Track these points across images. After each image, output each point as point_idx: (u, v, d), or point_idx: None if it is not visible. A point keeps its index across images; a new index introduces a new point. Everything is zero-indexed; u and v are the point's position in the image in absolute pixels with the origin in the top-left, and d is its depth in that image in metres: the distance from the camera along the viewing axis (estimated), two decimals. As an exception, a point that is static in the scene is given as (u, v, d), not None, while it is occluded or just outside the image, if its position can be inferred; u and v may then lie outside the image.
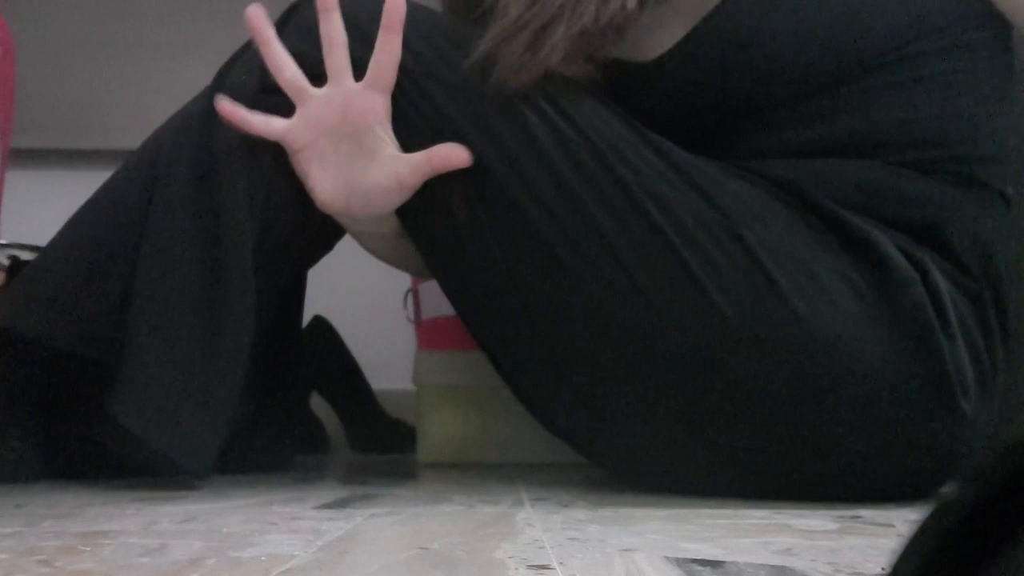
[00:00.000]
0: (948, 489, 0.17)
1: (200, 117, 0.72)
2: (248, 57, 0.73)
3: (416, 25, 0.70)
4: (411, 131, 0.69)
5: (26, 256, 0.94)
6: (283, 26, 0.72)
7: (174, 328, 0.69)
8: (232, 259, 0.70)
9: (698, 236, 0.64)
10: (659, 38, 0.70)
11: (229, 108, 0.69)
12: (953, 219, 0.67)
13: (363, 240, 0.78)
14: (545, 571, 0.36)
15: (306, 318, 0.97)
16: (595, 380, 0.68)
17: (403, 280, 1.16)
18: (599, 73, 0.68)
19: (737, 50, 0.67)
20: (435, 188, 0.69)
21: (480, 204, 0.68)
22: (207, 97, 0.73)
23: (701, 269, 0.63)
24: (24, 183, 1.20)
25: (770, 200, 0.66)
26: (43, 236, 0.84)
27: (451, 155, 0.67)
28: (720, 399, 0.64)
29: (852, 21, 0.66)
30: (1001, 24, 0.70)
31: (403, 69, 0.69)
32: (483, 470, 0.97)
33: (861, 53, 0.66)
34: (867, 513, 0.59)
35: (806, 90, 0.67)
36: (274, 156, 0.71)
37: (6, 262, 0.92)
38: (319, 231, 0.76)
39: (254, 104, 0.70)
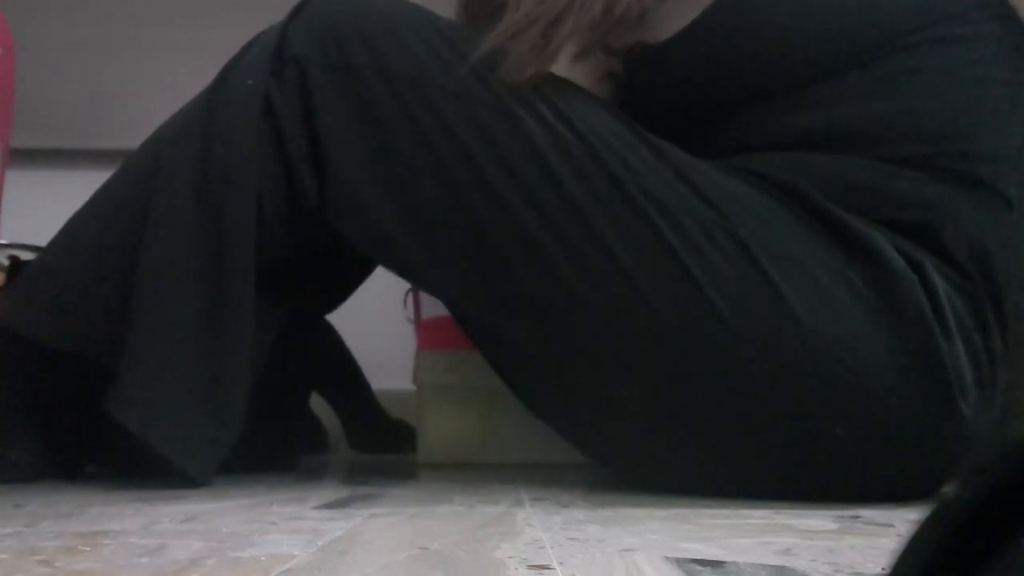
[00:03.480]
0: (948, 489, 0.17)
1: (201, 116, 0.72)
2: (252, 59, 0.72)
3: (415, 28, 0.70)
4: (408, 136, 0.69)
5: (26, 256, 0.94)
6: (289, 26, 0.72)
7: (176, 328, 0.69)
8: (236, 260, 0.69)
9: (696, 237, 0.64)
10: (671, 20, 0.70)
11: None
12: (949, 220, 0.67)
13: None
14: (545, 571, 0.36)
15: (306, 318, 0.97)
16: (595, 380, 0.68)
17: (403, 280, 1.16)
18: (619, 64, 0.69)
19: (743, 34, 0.68)
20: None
21: (476, 207, 0.68)
22: (208, 97, 0.73)
23: (699, 270, 0.63)
24: (24, 183, 1.19)
25: (768, 201, 0.66)
26: (43, 236, 0.83)
27: None
28: (719, 399, 0.64)
29: (858, 7, 0.67)
30: (1014, 18, 0.69)
31: (403, 74, 0.68)
32: (483, 470, 0.96)
33: (863, 40, 0.67)
34: (867, 513, 0.59)
35: (811, 75, 0.67)
36: (278, 157, 0.70)
37: (6, 262, 0.92)
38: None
39: (258, 108, 0.70)
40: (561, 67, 0.70)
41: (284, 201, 0.71)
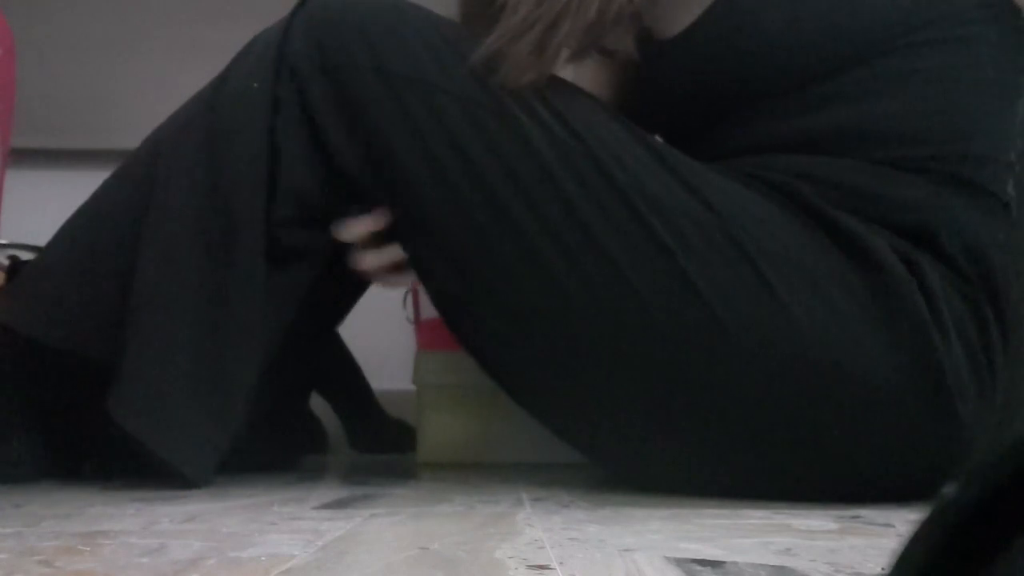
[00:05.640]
0: (948, 489, 0.17)
1: (202, 116, 0.72)
2: (254, 60, 0.72)
3: (417, 29, 0.70)
4: (406, 138, 0.69)
5: (26, 256, 0.94)
6: (290, 24, 0.72)
7: (176, 330, 0.69)
8: (243, 260, 0.69)
9: (694, 240, 0.64)
10: (681, 16, 0.71)
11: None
12: (945, 222, 0.67)
13: None
14: (545, 571, 0.36)
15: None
16: (592, 382, 0.68)
17: (403, 280, 1.16)
18: (634, 46, 0.70)
19: (742, 34, 0.68)
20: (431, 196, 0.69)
21: (475, 210, 0.68)
22: (209, 97, 0.73)
23: (697, 273, 0.63)
24: (24, 183, 1.19)
25: (766, 203, 0.66)
26: (43, 236, 0.83)
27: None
28: (717, 401, 0.64)
29: (856, 7, 0.67)
30: (1014, 19, 0.69)
31: (402, 76, 0.68)
32: (483, 470, 0.97)
33: (862, 40, 0.67)
34: (867, 513, 0.59)
35: (809, 76, 0.67)
36: (276, 147, 0.70)
37: (6, 262, 0.92)
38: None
39: (267, 108, 0.70)
40: (558, 69, 0.70)
41: (290, 202, 0.71)
